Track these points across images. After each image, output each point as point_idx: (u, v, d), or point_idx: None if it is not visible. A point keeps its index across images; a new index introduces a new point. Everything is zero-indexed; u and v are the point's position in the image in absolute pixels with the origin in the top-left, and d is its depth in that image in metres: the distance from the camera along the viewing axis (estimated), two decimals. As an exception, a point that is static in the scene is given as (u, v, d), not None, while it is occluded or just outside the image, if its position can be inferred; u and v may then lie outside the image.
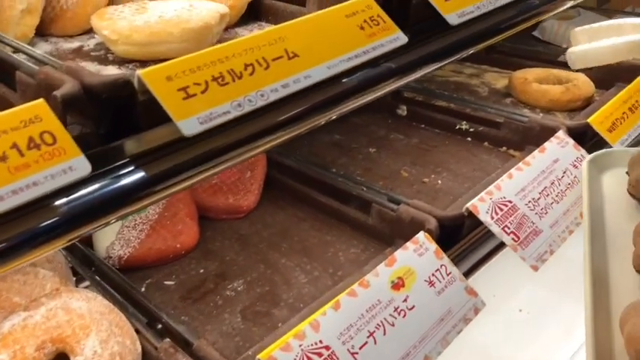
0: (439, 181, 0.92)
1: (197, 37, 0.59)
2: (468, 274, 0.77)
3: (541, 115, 1.02)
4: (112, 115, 0.44)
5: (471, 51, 0.67)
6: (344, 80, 0.58)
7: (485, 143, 1.02)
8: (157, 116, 0.43)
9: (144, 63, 0.59)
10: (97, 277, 0.71)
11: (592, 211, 0.63)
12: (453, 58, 0.65)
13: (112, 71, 0.58)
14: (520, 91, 1.08)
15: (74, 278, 0.71)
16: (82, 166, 0.37)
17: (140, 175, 0.44)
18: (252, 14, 0.72)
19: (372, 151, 1.01)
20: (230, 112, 0.44)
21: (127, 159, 0.45)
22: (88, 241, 0.75)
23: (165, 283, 0.73)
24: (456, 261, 0.77)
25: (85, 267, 0.73)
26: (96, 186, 0.42)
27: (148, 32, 0.57)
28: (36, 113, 0.37)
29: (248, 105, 0.45)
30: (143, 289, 0.72)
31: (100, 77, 0.44)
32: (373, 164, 0.98)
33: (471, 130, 1.04)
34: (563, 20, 1.40)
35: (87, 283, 0.71)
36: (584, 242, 0.58)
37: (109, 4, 0.68)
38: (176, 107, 0.42)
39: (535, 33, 1.42)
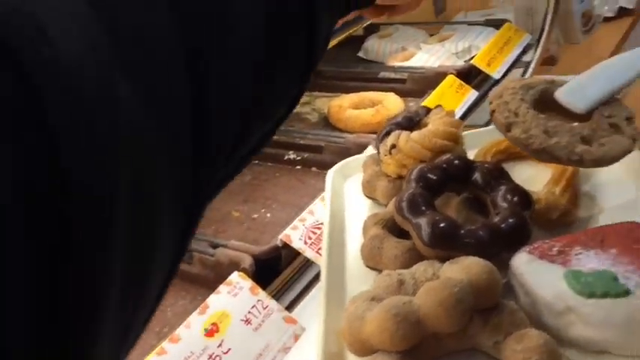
0: (268, 215, 0.94)
1: None
2: (297, 300, 0.79)
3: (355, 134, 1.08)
4: None
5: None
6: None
7: (313, 168, 1.06)
8: None
9: None
10: None
11: (333, 214, 0.67)
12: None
13: None
14: (337, 120, 1.12)
15: None
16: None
17: None
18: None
19: (205, 196, 1.02)
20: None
21: None
22: None
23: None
24: (283, 291, 0.79)
25: None
26: None
27: None
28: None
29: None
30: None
31: None
32: (207, 210, 0.98)
33: (298, 158, 1.08)
34: (383, 38, 1.50)
35: None
36: (323, 245, 0.62)
37: None
38: None
39: (360, 54, 1.51)
